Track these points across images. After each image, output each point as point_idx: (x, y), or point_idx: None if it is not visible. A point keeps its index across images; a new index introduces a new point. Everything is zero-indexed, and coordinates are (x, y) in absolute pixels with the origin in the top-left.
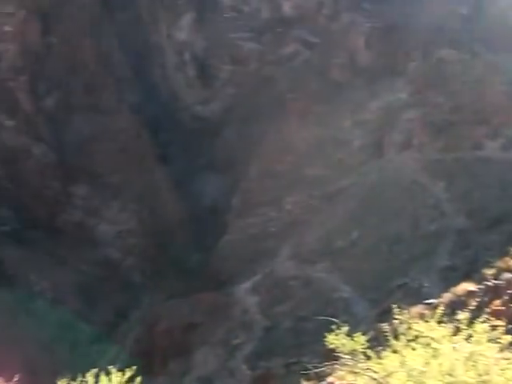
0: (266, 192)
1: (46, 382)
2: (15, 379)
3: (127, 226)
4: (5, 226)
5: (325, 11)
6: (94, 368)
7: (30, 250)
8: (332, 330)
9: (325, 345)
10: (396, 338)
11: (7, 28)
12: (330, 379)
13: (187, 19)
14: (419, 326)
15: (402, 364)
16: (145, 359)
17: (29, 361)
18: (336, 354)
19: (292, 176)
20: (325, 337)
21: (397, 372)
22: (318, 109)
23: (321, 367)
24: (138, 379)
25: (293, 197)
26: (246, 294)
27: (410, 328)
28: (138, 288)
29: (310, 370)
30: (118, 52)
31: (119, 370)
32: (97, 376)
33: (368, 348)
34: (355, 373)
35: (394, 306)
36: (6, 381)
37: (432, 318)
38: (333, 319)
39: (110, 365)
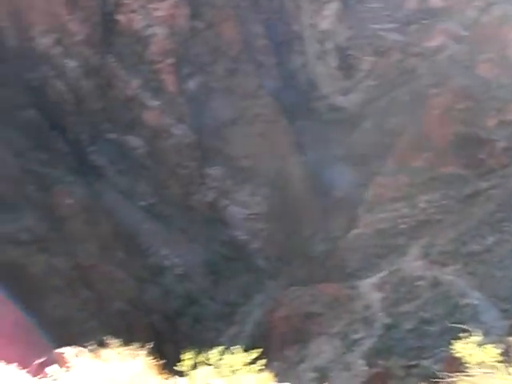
0: (399, 188)
1: (169, 351)
2: (148, 346)
3: (257, 209)
4: (142, 201)
5: (476, 3)
6: (213, 344)
7: (164, 225)
8: (458, 337)
9: (449, 351)
10: None
11: (158, 13)
12: None
13: (331, 8)
14: None
15: None
16: (262, 343)
17: (154, 330)
18: (461, 363)
19: (428, 173)
20: (449, 343)
21: None
22: (461, 105)
23: (443, 375)
24: (261, 362)
25: (427, 195)
26: (370, 290)
27: None
28: (262, 272)
29: (430, 375)
30: (260, 38)
31: (243, 351)
32: (220, 354)
33: (498, 362)
34: None
35: None
36: (140, 347)
37: None
38: (462, 326)
39: (229, 343)
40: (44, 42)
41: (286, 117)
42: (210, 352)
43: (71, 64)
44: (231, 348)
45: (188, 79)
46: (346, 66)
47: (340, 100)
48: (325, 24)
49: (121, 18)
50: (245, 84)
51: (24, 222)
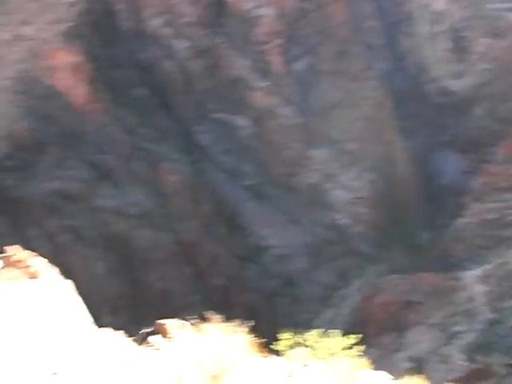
0: (510, 177)
1: (264, 330)
2: (248, 324)
3: (360, 193)
4: (246, 181)
5: None
6: (309, 326)
7: (266, 205)
8: None
9: None
10: None
11: None
12: None
13: None
14: None
15: None
16: (358, 328)
17: (251, 307)
18: None
19: None
20: None
21: None
22: None
23: None
24: (358, 348)
25: None
26: (473, 282)
27: None
28: (363, 257)
29: None
30: (369, 19)
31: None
32: (318, 336)
33: None
34: None
35: None
36: (239, 324)
37: None
38: None
39: (325, 326)
40: (155, 23)
41: (394, 100)
42: (307, 333)
43: (180, 45)
44: (328, 331)
45: (295, 61)
46: (459, 48)
47: (451, 84)
48: (438, 4)
49: None
50: (353, 66)
51: (132, 197)
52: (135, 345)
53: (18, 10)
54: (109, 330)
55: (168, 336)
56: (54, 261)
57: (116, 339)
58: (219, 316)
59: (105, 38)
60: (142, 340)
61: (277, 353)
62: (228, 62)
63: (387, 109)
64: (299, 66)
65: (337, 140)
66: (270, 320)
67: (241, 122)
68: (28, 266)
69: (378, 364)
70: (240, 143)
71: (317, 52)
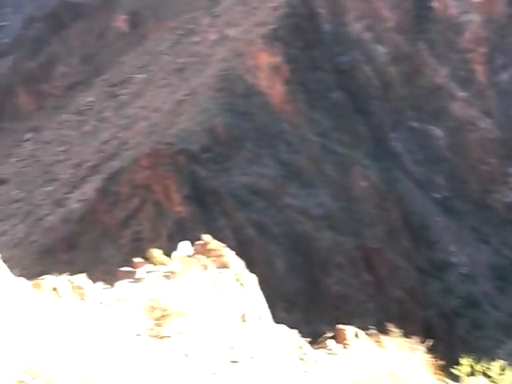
0: None
1: (440, 349)
2: (428, 342)
3: None
4: (436, 194)
5: None
6: (488, 354)
7: (456, 221)
8: None
9: None
10: None
11: None
12: None
13: None
14: None
15: None
16: None
17: (428, 325)
18: None
19: None
20: None
21: None
22: None
23: None
24: None
25: None
26: None
27: None
28: None
29: None
30: None
31: None
32: (502, 368)
33: None
34: None
35: None
36: (419, 341)
37: None
38: None
39: (506, 357)
40: (356, 27)
41: None
42: (489, 362)
43: (380, 50)
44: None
45: (501, 71)
46: None
47: None
48: None
49: (436, 4)
50: None
51: (318, 198)
52: (310, 345)
53: (226, 13)
54: (284, 327)
55: (344, 342)
56: (238, 253)
57: (292, 337)
58: (398, 329)
59: (304, 40)
60: (316, 342)
61: (454, 378)
62: (429, 69)
63: None
64: (504, 76)
65: None
66: (447, 341)
67: (437, 131)
68: (220, 256)
69: None
70: (434, 154)
71: None
